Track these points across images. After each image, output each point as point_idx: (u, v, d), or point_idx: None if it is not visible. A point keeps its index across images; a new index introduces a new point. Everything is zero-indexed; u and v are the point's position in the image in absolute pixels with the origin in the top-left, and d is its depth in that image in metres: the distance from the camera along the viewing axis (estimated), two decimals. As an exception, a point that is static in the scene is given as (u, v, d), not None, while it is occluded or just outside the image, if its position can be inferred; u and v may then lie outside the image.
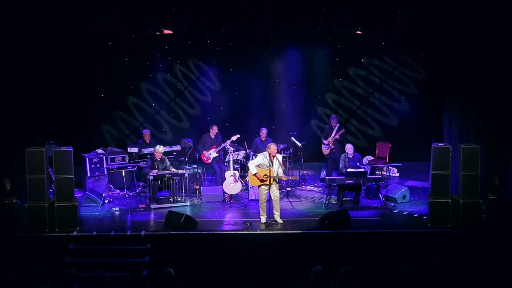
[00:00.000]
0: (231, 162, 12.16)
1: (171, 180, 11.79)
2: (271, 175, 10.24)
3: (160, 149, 12.01)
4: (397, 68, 15.64)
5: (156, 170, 11.77)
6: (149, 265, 9.49)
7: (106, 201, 12.09)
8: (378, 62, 15.69)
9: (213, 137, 12.90)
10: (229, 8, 12.21)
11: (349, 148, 12.03)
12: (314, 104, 15.88)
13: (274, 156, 10.27)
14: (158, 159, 12.00)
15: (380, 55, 15.61)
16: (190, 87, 15.80)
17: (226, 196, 12.11)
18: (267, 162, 10.28)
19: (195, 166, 12.88)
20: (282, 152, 12.81)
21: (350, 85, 15.85)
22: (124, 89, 15.66)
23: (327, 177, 11.93)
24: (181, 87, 15.79)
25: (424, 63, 15.08)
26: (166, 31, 13.60)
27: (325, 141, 12.95)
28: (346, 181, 11.37)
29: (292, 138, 13.41)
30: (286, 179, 10.70)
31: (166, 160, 12.19)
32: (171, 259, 9.41)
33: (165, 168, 11.98)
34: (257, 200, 11.04)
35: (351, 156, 12.00)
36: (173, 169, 11.93)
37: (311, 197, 12.46)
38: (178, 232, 9.99)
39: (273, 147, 10.35)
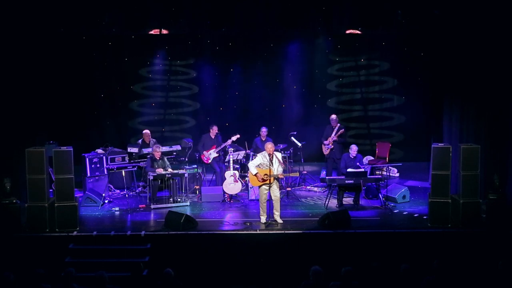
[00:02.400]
0: (231, 162, 12.16)
1: (171, 180, 11.79)
2: (272, 174, 10.23)
3: (158, 148, 12.03)
4: (397, 68, 15.64)
5: (162, 169, 11.76)
6: (149, 265, 9.49)
7: (106, 201, 12.08)
8: (378, 62, 15.70)
9: (213, 137, 12.90)
10: (229, 8, 12.22)
11: (353, 149, 12.00)
12: (314, 104, 15.90)
13: (272, 155, 10.28)
14: (158, 158, 12.01)
15: (380, 55, 15.61)
16: (190, 87, 15.81)
17: (226, 196, 12.11)
18: (266, 162, 10.28)
19: (195, 166, 12.88)
20: (282, 152, 12.80)
21: (350, 85, 15.85)
22: (124, 89, 15.67)
23: (327, 177, 11.92)
24: (181, 87, 15.80)
25: (424, 63, 15.10)
26: (166, 31, 13.66)
27: (325, 141, 12.95)
28: (346, 181, 11.36)
29: (292, 138, 13.41)
30: (282, 176, 10.69)
31: (165, 159, 12.19)
32: (171, 259, 9.40)
33: (164, 167, 11.98)
34: (257, 200, 11.05)
35: (352, 157, 11.98)
36: (169, 169, 11.94)
37: (311, 197, 12.46)
38: (178, 232, 9.99)
39: (269, 145, 10.37)
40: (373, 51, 15.61)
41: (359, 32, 13.98)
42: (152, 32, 13.85)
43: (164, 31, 13.72)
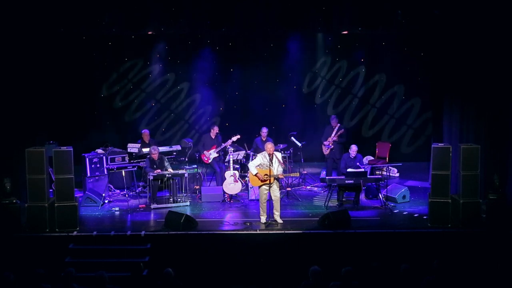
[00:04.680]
0: (231, 162, 12.16)
1: (171, 180, 11.79)
2: (272, 174, 10.23)
3: (154, 150, 12.01)
4: (397, 68, 15.63)
5: (159, 170, 11.77)
6: (149, 265, 9.49)
7: (106, 201, 12.09)
8: (378, 62, 15.69)
9: (213, 137, 12.91)
10: (229, 8, 12.21)
11: (353, 149, 12.02)
12: (314, 104, 15.90)
13: (272, 155, 10.28)
14: (156, 159, 12.01)
15: (380, 55, 15.60)
16: (190, 87, 15.81)
17: (226, 196, 12.11)
18: (266, 162, 10.28)
19: (195, 166, 12.88)
20: (282, 152, 12.80)
21: (350, 85, 15.86)
22: (124, 89, 15.67)
23: (327, 177, 11.92)
24: (181, 87, 15.80)
25: (424, 63, 15.10)
26: (166, 32, 13.67)
27: (325, 142, 12.96)
28: (346, 181, 11.37)
29: (292, 138, 13.41)
30: (282, 176, 10.69)
31: (165, 159, 12.19)
32: (171, 259, 9.40)
33: (163, 167, 11.98)
34: (257, 200, 11.05)
35: (352, 157, 12.00)
36: (169, 170, 11.94)
37: (311, 197, 12.46)
38: (178, 232, 10.00)
39: (269, 145, 10.38)
40: (373, 51, 15.60)
41: (359, 32, 13.97)
42: (152, 32, 13.85)
43: (164, 31, 13.72)
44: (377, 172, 13.36)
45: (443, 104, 12.59)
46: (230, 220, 10.83)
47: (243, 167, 12.75)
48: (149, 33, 14.01)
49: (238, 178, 12.14)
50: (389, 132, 15.81)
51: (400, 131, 15.84)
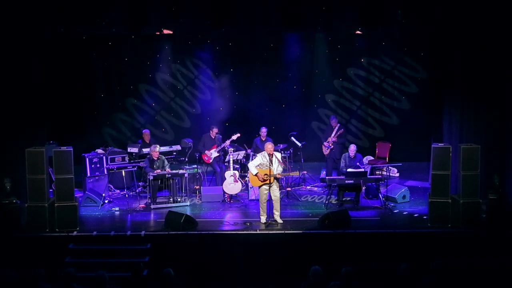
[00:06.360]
0: (231, 162, 12.16)
1: (171, 180, 11.79)
2: (272, 173, 10.23)
3: (156, 148, 12.02)
4: (397, 68, 15.64)
5: (159, 170, 11.77)
6: (149, 265, 9.49)
7: (106, 201, 12.09)
8: (378, 62, 15.69)
9: (213, 137, 12.91)
10: (229, 8, 12.22)
11: (351, 148, 12.03)
12: (314, 104, 15.88)
13: (272, 155, 10.28)
14: (155, 159, 12.01)
15: (380, 55, 15.61)
16: (190, 87, 15.81)
17: (226, 196, 12.11)
18: (266, 162, 10.29)
19: (195, 166, 12.88)
20: (282, 152, 12.80)
21: (350, 85, 15.85)
22: (124, 89, 15.67)
23: (327, 177, 11.93)
24: (181, 87, 15.80)
25: (424, 63, 15.08)
26: (166, 31, 13.67)
27: (325, 142, 12.96)
28: (346, 181, 11.37)
29: (292, 138, 13.41)
30: (280, 176, 10.66)
31: (164, 159, 12.18)
32: (171, 259, 9.41)
33: (162, 167, 11.98)
34: (257, 200, 11.05)
35: (352, 156, 12.00)
36: (168, 169, 11.94)
37: (311, 197, 12.46)
38: (178, 232, 10.00)
39: (269, 145, 10.38)
40: (373, 51, 15.60)
41: (359, 32, 13.97)
42: (152, 32, 13.85)
43: (164, 31, 13.73)
44: (377, 172, 13.36)
45: (443, 104, 12.59)
46: (230, 220, 10.83)
47: (243, 167, 12.75)
48: (149, 33, 14.00)
49: (238, 178, 12.14)
50: (389, 132, 15.79)
51: (400, 131, 15.82)
